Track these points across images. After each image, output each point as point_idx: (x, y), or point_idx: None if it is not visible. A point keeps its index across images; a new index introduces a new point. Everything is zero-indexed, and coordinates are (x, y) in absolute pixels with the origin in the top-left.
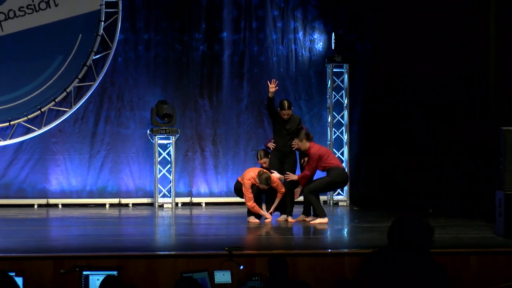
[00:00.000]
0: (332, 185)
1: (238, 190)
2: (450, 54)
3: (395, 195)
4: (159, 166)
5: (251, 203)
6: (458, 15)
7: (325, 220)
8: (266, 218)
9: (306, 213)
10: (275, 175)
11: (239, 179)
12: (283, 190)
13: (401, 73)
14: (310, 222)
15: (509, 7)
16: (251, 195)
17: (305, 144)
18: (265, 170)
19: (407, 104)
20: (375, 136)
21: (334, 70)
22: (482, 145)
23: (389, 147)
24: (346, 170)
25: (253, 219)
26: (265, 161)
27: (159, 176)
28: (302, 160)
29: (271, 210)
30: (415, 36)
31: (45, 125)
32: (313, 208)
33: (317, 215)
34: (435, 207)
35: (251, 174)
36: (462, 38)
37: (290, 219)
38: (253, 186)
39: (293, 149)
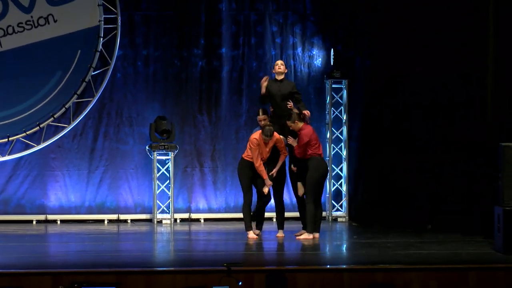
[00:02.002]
0: (321, 179)
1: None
2: (448, 53)
3: (394, 211)
4: (158, 182)
5: (258, 163)
6: (457, 15)
7: (310, 236)
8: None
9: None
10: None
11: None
12: (286, 153)
13: (400, 74)
14: (296, 237)
15: (508, 7)
16: (258, 155)
17: (298, 125)
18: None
19: (408, 117)
20: (374, 153)
21: (333, 86)
22: (482, 145)
23: (389, 165)
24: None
25: (251, 235)
26: (264, 117)
27: (158, 192)
28: (288, 138)
29: (273, 172)
30: (413, 38)
31: (44, 141)
32: (305, 219)
33: (304, 229)
34: (433, 224)
35: (255, 135)
36: (460, 37)
37: (280, 233)
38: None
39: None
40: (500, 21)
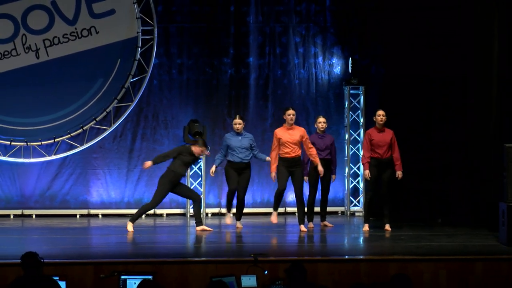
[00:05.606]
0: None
1: None
2: (451, 55)
3: (405, 206)
4: (191, 179)
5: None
6: (461, 16)
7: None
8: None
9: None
10: None
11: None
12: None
13: (412, 80)
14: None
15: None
16: None
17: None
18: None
19: (421, 119)
20: None
21: (351, 92)
22: (486, 145)
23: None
24: None
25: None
26: (240, 122)
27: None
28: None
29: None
30: (420, 45)
31: (87, 142)
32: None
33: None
34: (443, 216)
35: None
36: (463, 38)
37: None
38: None
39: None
40: (504, 21)
